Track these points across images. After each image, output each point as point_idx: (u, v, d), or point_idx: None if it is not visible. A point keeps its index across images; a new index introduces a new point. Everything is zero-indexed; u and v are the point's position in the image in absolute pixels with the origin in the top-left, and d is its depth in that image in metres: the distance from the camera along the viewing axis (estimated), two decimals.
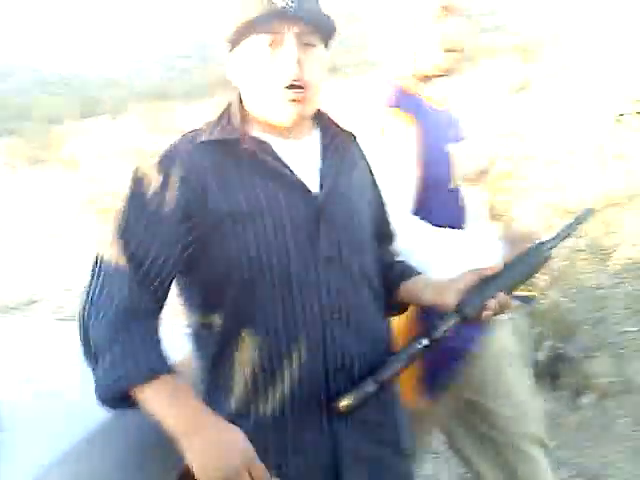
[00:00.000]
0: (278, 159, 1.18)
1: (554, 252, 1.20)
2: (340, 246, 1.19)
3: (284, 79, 1.15)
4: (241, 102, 1.24)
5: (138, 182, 1.14)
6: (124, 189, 1.16)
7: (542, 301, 3.58)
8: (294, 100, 1.16)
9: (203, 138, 1.18)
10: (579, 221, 1.24)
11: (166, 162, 1.15)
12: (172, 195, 1.11)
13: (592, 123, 5.99)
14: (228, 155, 1.17)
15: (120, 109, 8.97)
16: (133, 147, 7.17)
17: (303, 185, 1.19)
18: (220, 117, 1.23)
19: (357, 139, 1.35)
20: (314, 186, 1.20)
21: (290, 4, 1.13)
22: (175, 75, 10.63)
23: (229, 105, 1.25)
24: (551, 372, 3.26)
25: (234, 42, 1.19)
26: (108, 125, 8.67)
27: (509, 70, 7.52)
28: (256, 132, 1.21)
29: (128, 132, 8.00)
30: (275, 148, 1.19)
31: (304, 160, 1.23)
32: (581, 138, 5.84)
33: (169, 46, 12.05)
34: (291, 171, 1.18)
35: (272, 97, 1.17)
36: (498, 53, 8.01)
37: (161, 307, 1.13)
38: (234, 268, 1.12)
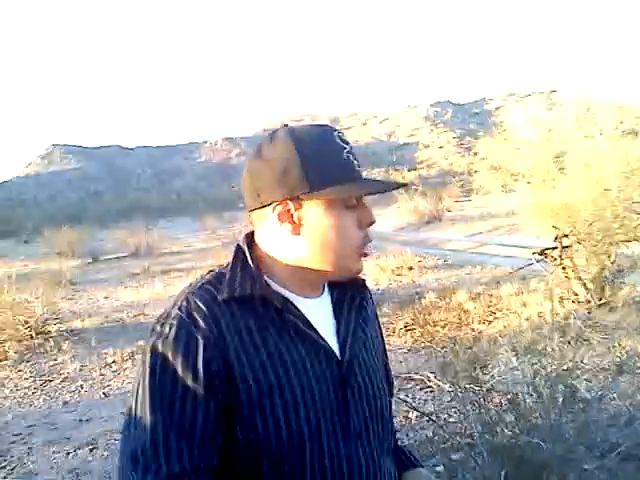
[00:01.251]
0: (305, 320, 1.16)
1: None
2: (366, 418, 1.20)
3: (365, 238, 1.19)
4: (250, 250, 1.22)
5: (161, 346, 1.10)
6: (140, 371, 1.12)
7: None
8: (365, 254, 1.20)
9: (225, 295, 1.14)
10: None
11: (187, 319, 1.11)
12: (197, 357, 1.08)
13: None
14: (252, 313, 1.14)
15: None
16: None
17: (330, 350, 1.17)
18: (233, 269, 1.19)
19: (366, 285, 1.34)
20: (334, 348, 1.19)
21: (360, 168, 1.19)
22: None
23: (240, 255, 1.22)
24: None
25: (308, 195, 1.14)
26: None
27: None
28: (275, 287, 1.18)
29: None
30: (298, 306, 1.17)
31: (322, 319, 1.21)
32: None
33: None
34: (317, 333, 1.16)
35: (349, 253, 1.17)
36: None
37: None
38: (265, 444, 1.08)
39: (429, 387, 5.81)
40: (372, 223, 1.20)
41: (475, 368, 4.20)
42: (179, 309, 1.12)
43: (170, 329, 1.09)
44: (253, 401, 1.07)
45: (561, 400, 3.69)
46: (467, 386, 4.57)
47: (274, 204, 1.16)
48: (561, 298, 8.11)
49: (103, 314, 11.19)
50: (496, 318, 8.21)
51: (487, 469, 3.46)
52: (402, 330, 7.97)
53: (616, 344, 6.47)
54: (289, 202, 1.15)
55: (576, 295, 7.98)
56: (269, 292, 1.14)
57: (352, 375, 1.19)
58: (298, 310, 1.15)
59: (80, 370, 7.56)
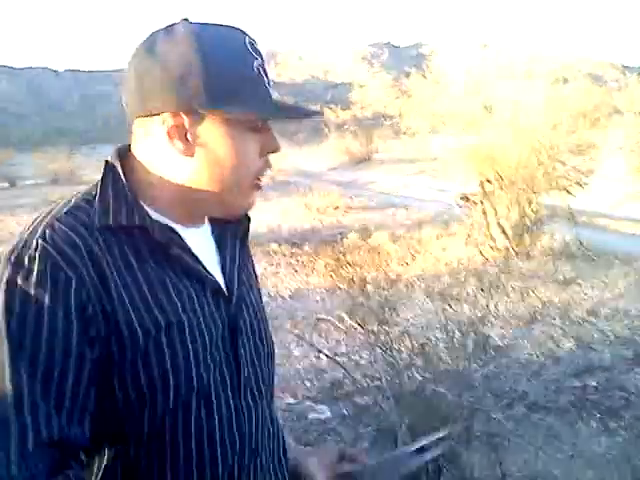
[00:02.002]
0: (191, 253, 1.01)
1: None
2: (255, 363, 1.10)
3: (264, 167, 1.04)
4: (125, 175, 1.00)
5: (21, 281, 0.87)
6: None
7: None
8: (260, 187, 1.05)
9: (99, 221, 0.94)
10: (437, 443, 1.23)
11: (53, 251, 0.88)
12: (68, 299, 0.87)
13: None
14: (130, 245, 0.96)
15: None
16: None
17: (218, 287, 1.04)
18: (103, 192, 0.98)
19: (249, 217, 1.18)
20: (221, 285, 1.05)
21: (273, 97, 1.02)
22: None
23: (111, 175, 1.00)
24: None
25: (209, 110, 0.95)
26: None
27: None
28: (155, 215, 0.99)
29: None
30: (185, 239, 1.01)
31: (207, 253, 1.06)
32: None
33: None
34: (205, 269, 1.02)
35: (245, 183, 1.02)
36: None
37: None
38: (148, 401, 0.92)
39: (343, 329, 5.72)
40: (276, 150, 1.04)
41: (384, 310, 4.08)
42: (42, 238, 0.89)
43: (31, 262, 0.87)
44: (138, 348, 0.91)
45: (472, 347, 3.62)
46: (377, 328, 4.49)
47: (164, 115, 0.95)
48: (479, 244, 8.15)
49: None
50: (415, 261, 8.19)
51: (391, 415, 3.37)
52: (322, 270, 7.85)
53: (530, 292, 6.53)
54: (184, 116, 0.95)
55: (495, 242, 8.01)
56: (148, 222, 0.96)
57: (241, 315, 1.08)
58: (183, 242, 1.00)
59: None
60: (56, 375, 0.86)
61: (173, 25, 0.98)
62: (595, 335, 5.38)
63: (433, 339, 4.42)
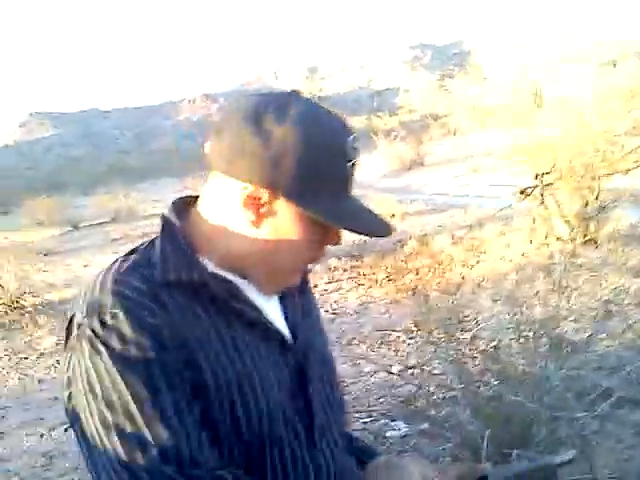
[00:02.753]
0: (253, 306, 1.03)
1: None
2: (325, 407, 1.11)
3: (323, 253, 1.08)
4: (184, 227, 1.04)
5: (117, 343, 0.90)
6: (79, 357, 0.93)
7: None
8: (307, 269, 1.15)
9: (162, 277, 0.97)
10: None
11: (135, 307, 0.91)
12: (165, 347, 0.91)
13: None
14: (195, 300, 0.98)
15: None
16: None
17: (282, 337, 1.06)
18: (163, 247, 1.01)
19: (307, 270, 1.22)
20: (285, 334, 1.08)
21: None
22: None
23: (169, 229, 1.03)
24: None
25: (291, 200, 0.97)
26: None
27: None
28: (214, 269, 1.02)
29: None
30: (244, 291, 1.03)
31: (268, 302, 1.08)
32: None
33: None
34: (267, 319, 1.05)
35: (297, 268, 1.08)
36: None
37: None
38: (230, 442, 0.96)
39: (412, 339, 5.64)
40: (337, 244, 1.07)
41: (451, 318, 3.99)
42: (115, 295, 0.92)
43: (116, 319, 0.90)
44: (216, 397, 0.95)
45: (547, 346, 3.50)
46: (446, 337, 4.39)
47: (247, 184, 0.97)
48: (544, 237, 7.94)
49: (81, 283, 10.91)
50: (479, 261, 8.03)
51: (470, 427, 3.27)
52: (384, 281, 7.78)
53: (603, 282, 6.31)
54: (265, 192, 0.97)
55: (559, 233, 7.78)
56: (209, 278, 0.99)
57: (309, 364, 1.10)
58: (243, 294, 1.02)
59: (57, 345, 7.34)
60: (180, 415, 0.90)
61: (288, 103, 0.98)
62: None
63: (505, 342, 4.31)
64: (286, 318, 1.11)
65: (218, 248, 1.02)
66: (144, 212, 24.27)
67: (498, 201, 10.93)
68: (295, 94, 1.02)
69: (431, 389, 4.18)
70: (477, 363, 3.64)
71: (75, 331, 0.93)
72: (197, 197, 1.09)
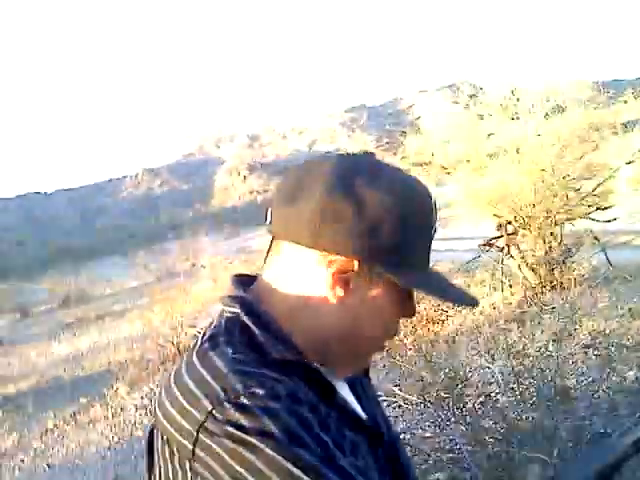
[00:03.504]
0: (345, 400, 0.94)
1: None
2: None
3: (397, 330, 0.98)
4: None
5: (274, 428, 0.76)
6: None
7: None
8: (384, 348, 1.00)
9: (272, 355, 0.85)
10: None
11: (270, 383, 0.80)
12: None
13: None
14: (300, 382, 0.85)
15: None
16: None
17: (377, 432, 0.98)
18: (256, 328, 0.87)
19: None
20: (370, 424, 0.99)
21: None
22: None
23: (257, 311, 0.90)
24: None
25: (400, 271, 0.89)
26: None
27: None
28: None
29: None
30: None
31: (343, 389, 0.98)
32: None
33: None
34: (358, 414, 0.96)
35: (377, 345, 0.97)
36: None
37: None
38: None
39: (395, 402, 5.49)
40: (412, 316, 0.98)
41: (454, 384, 3.89)
42: (239, 374, 0.80)
43: (256, 397, 0.78)
44: None
45: (551, 398, 3.43)
46: (440, 396, 4.29)
47: (336, 257, 0.87)
48: (510, 286, 7.99)
49: (38, 373, 10.48)
50: (449, 316, 7.99)
51: None
52: None
53: (577, 326, 6.32)
54: (357, 264, 0.87)
55: (526, 281, 7.84)
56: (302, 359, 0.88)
57: (395, 454, 1.04)
58: (333, 386, 0.91)
59: (18, 443, 6.92)
60: None
61: (375, 165, 0.92)
62: None
63: (496, 394, 4.24)
64: (363, 409, 1.00)
65: (299, 329, 0.91)
66: (95, 293, 23.73)
67: (456, 254, 11.05)
68: (374, 155, 0.94)
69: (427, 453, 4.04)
70: (481, 421, 3.53)
71: (188, 444, 0.78)
72: (249, 276, 0.99)
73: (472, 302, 0.96)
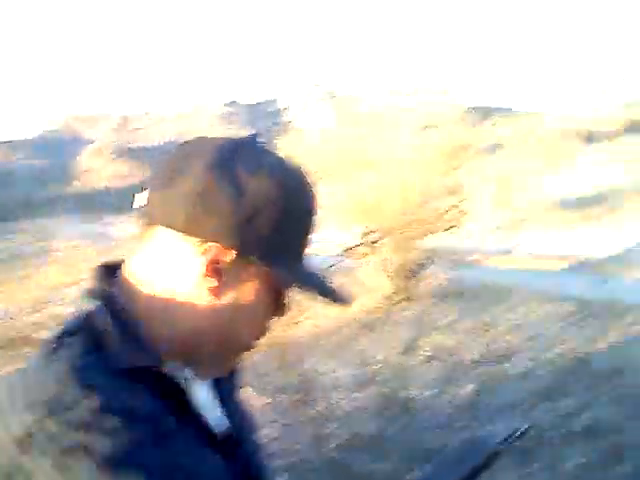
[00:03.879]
0: (195, 405, 0.86)
1: None
2: None
3: (268, 329, 0.92)
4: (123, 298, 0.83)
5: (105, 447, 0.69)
6: None
7: None
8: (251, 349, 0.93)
9: (117, 364, 0.77)
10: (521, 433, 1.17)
11: (117, 396, 0.73)
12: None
13: None
14: (149, 392, 0.78)
15: None
16: None
17: (232, 442, 0.90)
18: (106, 328, 0.79)
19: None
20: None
21: None
22: None
23: (116, 310, 0.81)
24: None
25: (278, 262, 0.83)
26: None
27: None
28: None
29: None
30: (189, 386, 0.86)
31: (210, 403, 0.91)
32: None
33: None
34: (206, 421, 0.87)
35: (246, 342, 0.89)
36: None
37: None
38: None
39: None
40: (282, 316, 0.92)
41: (303, 387, 3.87)
42: (79, 383, 0.72)
43: (93, 412, 0.70)
44: None
45: (397, 410, 3.49)
46: (290, 399, 4.26)
47: (211, 245, 0.80)
48: (366, 294, 8.17)
49: None
50: (301, 321, 8.03)
51: None
52: None
53: (425, 339, 6.55)
54: (234, 254, 0.81)
55: (381, 290, 8.05)
56: (168, 366, 0.82)
57: (255, 467, 0.96)
58: (188, 392, 0.85)
59: None
60: None
61: (257, 149, 0.86)
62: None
63: (342, 400, 4.27)
64: (229, 419, 0.94)
65: (165, 325, 0.83)
66: None
67: (326, 259, 11.16)
68: (259, 138, 0.88)
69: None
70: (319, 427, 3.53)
71: (13, 451, 0.70)
72: (116, 264, 0.88)
73: (347, 300, 0.91)
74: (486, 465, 1.10)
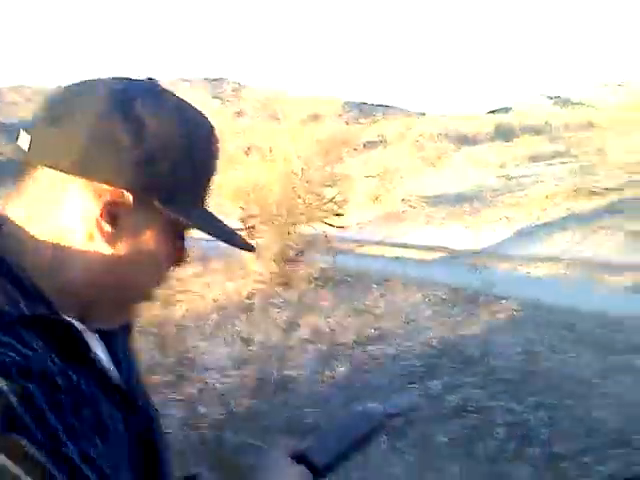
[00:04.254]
0: (99, 357, 0.80)
1: None
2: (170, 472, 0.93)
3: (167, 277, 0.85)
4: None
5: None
6: None
7: None
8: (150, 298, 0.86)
9: (15, 313, 0.69)
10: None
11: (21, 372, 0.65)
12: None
13: None
14: (40, 345, 0.70)
15: None
16: None
17: (130, 398, 0.84)
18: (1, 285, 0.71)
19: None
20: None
21: None
22: None
23: (13, 269, 0.73)
24: None
25: (178, 206, 0.77)
26: None
27: None
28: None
29: None
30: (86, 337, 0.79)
31: (102, 352, 0.84)
32: None
33: None
34: (112, 376, 0.82)
35: (143, 291, 0.83)
36: None
37: None
38: None
39: None
40: (180, 264, 0.85)
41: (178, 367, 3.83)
42: None
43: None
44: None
45: (273, 389, 3.53)
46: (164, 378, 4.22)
47: (105, 187, 0.73)
48: (244, 277, 8.18)
49: None
50: (179, 301, 7.93)
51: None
52: None
53: (301, 321, 6.65)
54: (130, 197, 0.74)
55: (259, 275, 8.08)
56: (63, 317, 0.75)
57: (152, 427, 0.89)
58: (89, 344, 0.78)
59: None
60: None
61: (156, 88, 0.80)
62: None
63: (217, 380, 4.26)
64: (120, 373, 0.86)
65: (56, 273, 0.76)
66: None
67: (198, 242, 11.02)
68: (158, 82, 0.83)
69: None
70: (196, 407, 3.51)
71: None
72: None
73: (248, 246, 0.89)
74: (371, 436, 1.11)
